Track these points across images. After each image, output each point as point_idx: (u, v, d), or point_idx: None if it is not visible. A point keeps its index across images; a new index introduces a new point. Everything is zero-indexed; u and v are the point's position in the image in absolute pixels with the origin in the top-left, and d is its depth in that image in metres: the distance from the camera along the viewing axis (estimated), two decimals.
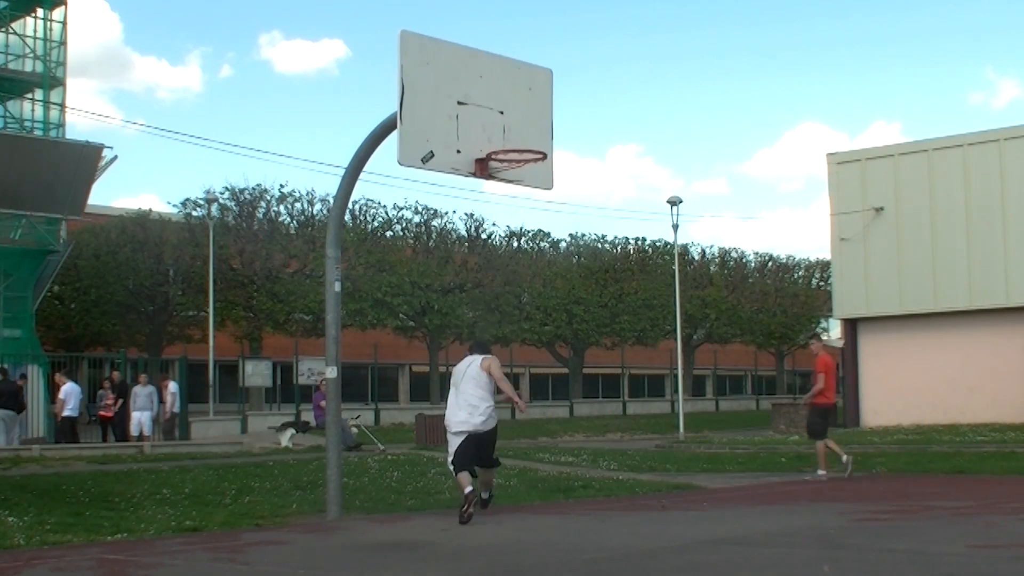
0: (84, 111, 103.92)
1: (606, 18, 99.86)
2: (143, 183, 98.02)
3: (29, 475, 16.17)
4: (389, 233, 42.87)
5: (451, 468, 10.95)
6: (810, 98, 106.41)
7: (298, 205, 40.21)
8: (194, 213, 38.50)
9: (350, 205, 35.94)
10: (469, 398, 10.80)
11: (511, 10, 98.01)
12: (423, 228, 43.47)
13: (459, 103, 11.14)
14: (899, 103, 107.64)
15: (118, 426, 25.38)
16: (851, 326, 32.18)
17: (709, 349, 54.79)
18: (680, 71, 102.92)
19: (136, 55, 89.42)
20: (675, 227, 32.32)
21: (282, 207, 39.93)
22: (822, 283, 55.73)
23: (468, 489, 10.47)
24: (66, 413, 24.43)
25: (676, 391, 36.89)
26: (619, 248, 50.15)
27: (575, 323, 46.95)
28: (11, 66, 32.62)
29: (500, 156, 11.36)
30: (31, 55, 32.39)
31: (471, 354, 11.24)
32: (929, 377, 30.29)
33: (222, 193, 38.32)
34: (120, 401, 25.40)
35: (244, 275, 37.86)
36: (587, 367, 51.13)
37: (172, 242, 37.67)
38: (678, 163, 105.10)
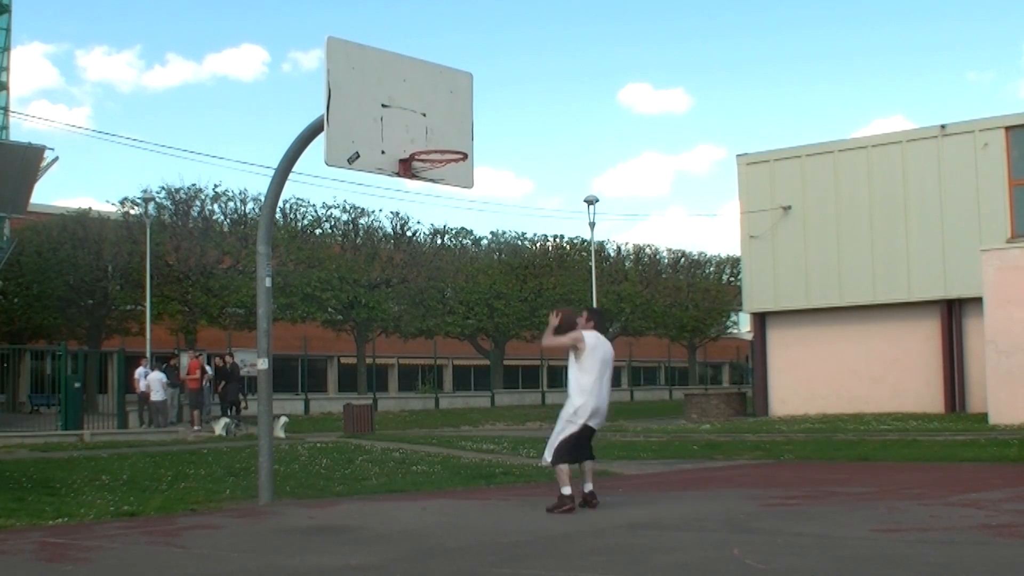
0: (28, 115, 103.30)
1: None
2: (83, 183, 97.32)
3: None
4: (318, 231, 43.75)
5: (548, 460, 10.10)
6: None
7: (231, 204, 41.51)
8: (132, 212, 39.52)
9: (280, 204, 36.39)
10: (608, 391, 10.26)
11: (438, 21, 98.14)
12: (351, 226, 44.31)
13: (383, 106, 11.29)
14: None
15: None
16: (760, 320, 32.72)
17: (624, 341, 55.62)
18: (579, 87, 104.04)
19: (79, 56, 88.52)
20: (592, 225, 32.99)
21: (216, 206, 41.28)
22: (732, 279, 56.86)
23: (567, 490, 9.78)
24: None
25: None
26: (538, 245, 50.91)
27: (496, 317, 47.53)
28: None
29: (423, 156, 11.53)
30: None
31: (593, 327, 10.44)
32: (834, 368, 30.92)
33: (158, 192, 39.46)
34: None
35: (180, 271, 38.68)
36: (508, 359, 51.69)
37: (111, 239, 38.51)
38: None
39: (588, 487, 10.24)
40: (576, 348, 10.20)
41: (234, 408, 26.86)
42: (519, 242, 50.43)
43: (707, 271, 58.41)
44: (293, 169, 11.69)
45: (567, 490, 9.83)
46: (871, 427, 23.32)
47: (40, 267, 38.36)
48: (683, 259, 56.92)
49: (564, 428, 10.08)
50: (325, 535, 8.84)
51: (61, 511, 10.32)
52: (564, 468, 9.96)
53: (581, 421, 10.03)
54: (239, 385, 27.47)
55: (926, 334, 29.89)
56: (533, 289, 48.54)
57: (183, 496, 11.75)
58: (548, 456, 10.12)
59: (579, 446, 10.11)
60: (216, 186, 41.15)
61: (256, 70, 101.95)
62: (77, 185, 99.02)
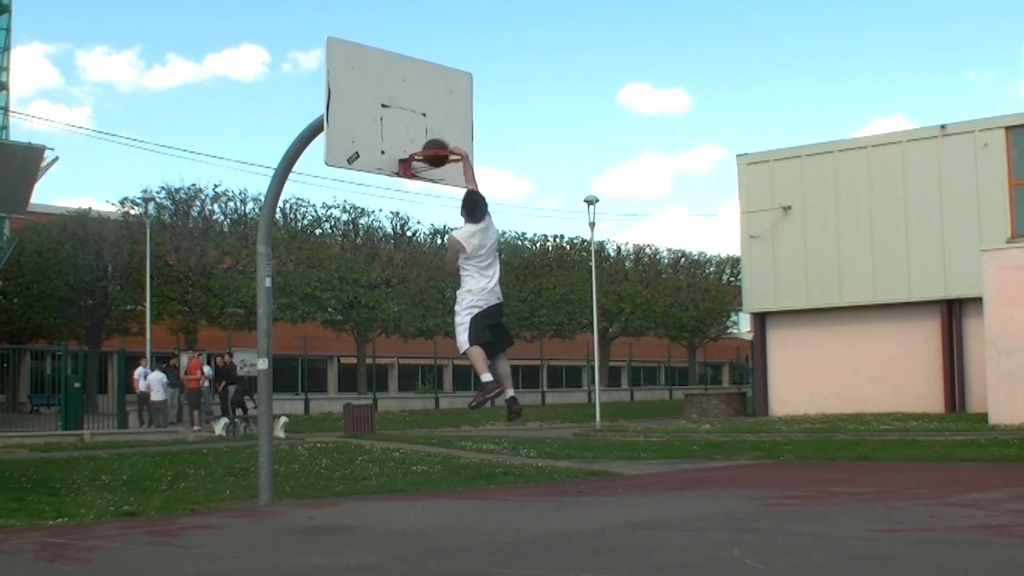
0: (28, 115, 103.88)
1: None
2: (83, 183, 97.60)
3: None
4: (318, 231, 43.83)
5: (466, 344, 9.47)
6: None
7: (231, 204, 41.63)
8: (132, 212, 39.58)
9: (280, 204, 36.54)
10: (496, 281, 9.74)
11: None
12: (351, 226, 44.40)
13: (383, 106, 11.21)
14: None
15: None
16: (760, 320, 32.76)
17: (624, 341, 55.72)
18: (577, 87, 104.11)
19: (79, 56, 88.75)
20: (592, 225, 32.92)
21: (216, 206, 41.45)
22: (732, 279, 56.89)
23: (487, 377, 9.32)
24: None
25: (593, 382, 37.49)
26: (538, 245, 50.97)
27: None
28: None
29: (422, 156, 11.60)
30: None
31: (476, 219, 9.76)
32: (834, 368, 30.94)
33: (158, 192, 39.50)
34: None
35: (180, 271, 38.81)
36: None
37: (111, 239, 38.66)
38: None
39: (509, 392, 9.78)
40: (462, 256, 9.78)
41: (241, 410, 26.87)
42: (519, 242, 50.47)
43: (707, 271, 58.43)
44: (293, 169, 11.70)
45: (487, 377, 9.47)
46: (871, 427, 23.33)
47: (40, 267, 38.49)
48: (683, 259, 56.94)
49: (469, 308, 9.62)
50: (325, 535, 8.82)
51: (61, 511, 10.32)
52: (478, 351, 9.53)
53: (484, 297, 9.64)
54: (244, 387, 27.46)
55: (926, 334, 29.93)
56: (533, 289, 48.60)
57: (183, 496, 11.74)
58: (464, 339, 9.55)
59: (494, 327, 9.67)
60: (216, 186, 41.36)
61: (256, 70, 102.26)
62: (77, 185, 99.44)
